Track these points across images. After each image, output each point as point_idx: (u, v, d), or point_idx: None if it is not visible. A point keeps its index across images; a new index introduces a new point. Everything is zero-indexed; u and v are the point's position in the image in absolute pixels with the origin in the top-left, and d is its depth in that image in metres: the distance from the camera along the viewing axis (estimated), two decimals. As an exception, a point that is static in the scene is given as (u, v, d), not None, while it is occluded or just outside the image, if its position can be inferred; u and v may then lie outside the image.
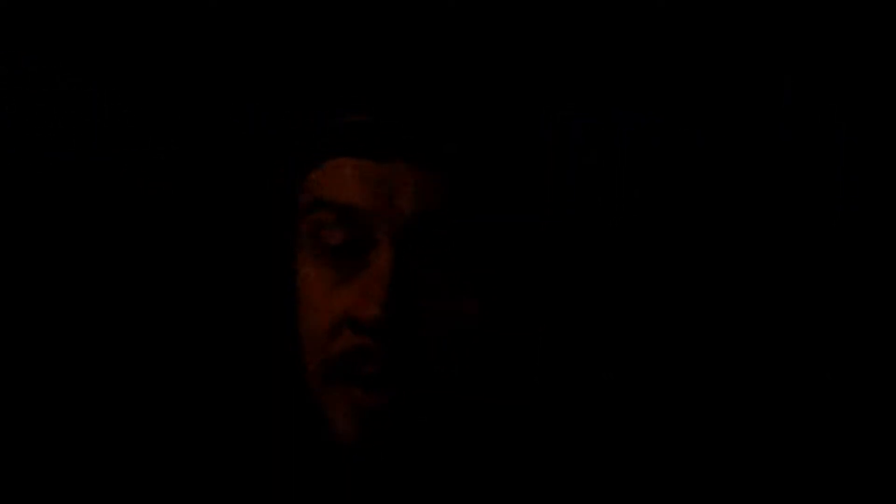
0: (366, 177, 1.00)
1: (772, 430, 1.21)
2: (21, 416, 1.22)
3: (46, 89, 1.26)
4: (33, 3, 1.27)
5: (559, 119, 1.06)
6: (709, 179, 1.24)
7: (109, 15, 1.26)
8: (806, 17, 1.27)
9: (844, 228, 1.28)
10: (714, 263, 1.23)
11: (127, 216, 1.24)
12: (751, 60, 1.27)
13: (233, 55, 1.22)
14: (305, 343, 1.03)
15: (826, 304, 1.26)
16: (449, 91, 1.01)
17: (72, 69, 1.24)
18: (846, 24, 1.27)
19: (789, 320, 1.26)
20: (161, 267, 1.24)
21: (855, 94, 1.28)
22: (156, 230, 1.23)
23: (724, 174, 1.25)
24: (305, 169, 1.04)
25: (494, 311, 1.01)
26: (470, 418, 1.04)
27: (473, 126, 1.01)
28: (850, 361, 1.25)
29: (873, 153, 1.28)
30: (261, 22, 1.20)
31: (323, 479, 1.07)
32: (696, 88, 1.25)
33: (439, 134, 0.99)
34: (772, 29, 1.27)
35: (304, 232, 1.04)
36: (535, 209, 1.04)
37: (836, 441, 1.22)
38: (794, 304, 1.26)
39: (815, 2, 1.27)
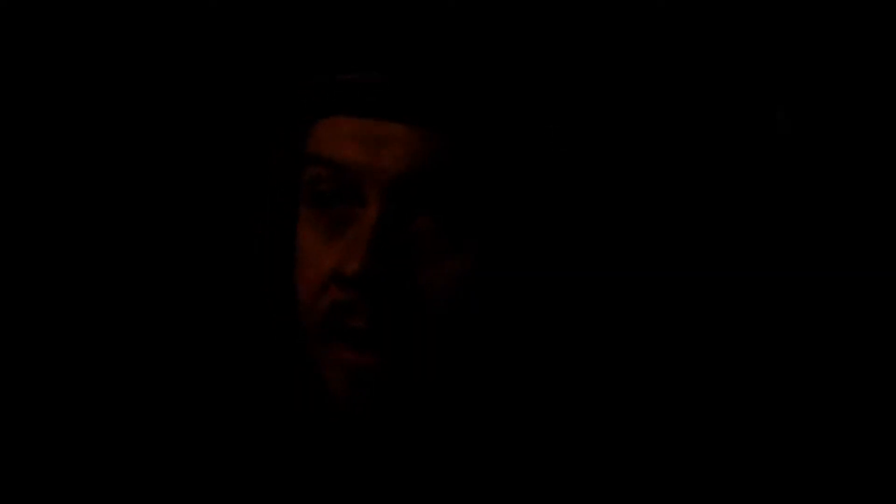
0: (359, 134, 1.01)
1: (772, 430, 1.20)
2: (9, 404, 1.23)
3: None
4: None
5: (555, 80, 1.06)
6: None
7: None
8: (804, 18, 1.28)
9: (844, 228, 1.28)
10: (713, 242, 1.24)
11: (129, 168, 1.25)
12: (750, 62, 1.28)
13: (235, 12, 1.22)
14: (300, 298, 1.04)
15: (825, 303, 1.27)
16: (444, 50, 1.01)
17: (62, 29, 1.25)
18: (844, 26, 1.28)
19: (789, 319, 1.26)
20: (163, 221, 1.24)
21: (854, 94, 1.28)
22: (159, 184, 1.24)
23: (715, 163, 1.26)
24: (307, 125, 1.05)
25: (487, 268, 1.01)
26: (463, 377, 1.04)
27: (469, 85, 1.00)
28: (850, 361, 1.25)
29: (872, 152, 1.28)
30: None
31: (319, 438, 1.07)
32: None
33: (434, 93, 1.00)
34: (771, 30, 1.28)
35: (303, 188, 1.05)
36: (530, 169, 1.04)
37: (836, 441, 1.22)
38: (793, 303, 1.26)
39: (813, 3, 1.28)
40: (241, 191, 1.19)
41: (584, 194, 1.09)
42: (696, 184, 1.24)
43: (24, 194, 1.28)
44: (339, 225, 1.02)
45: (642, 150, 1.19)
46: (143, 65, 1.26)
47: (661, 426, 1.10)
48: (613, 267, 1.15)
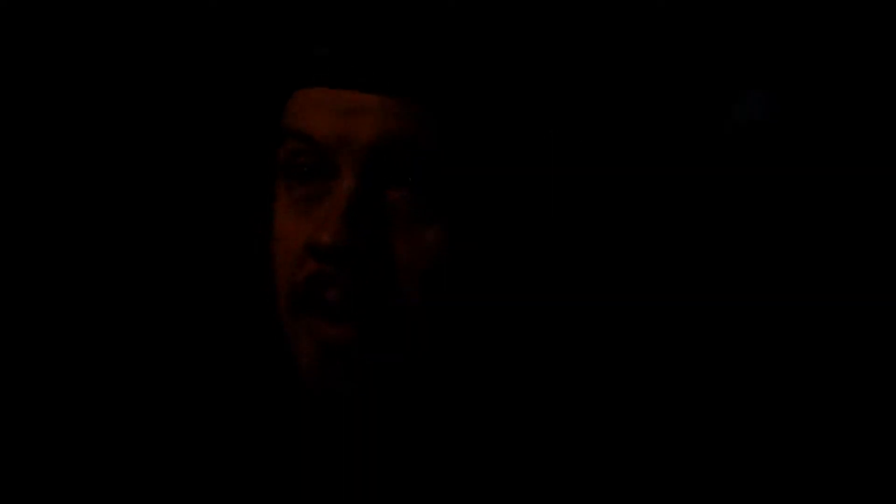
0: (331, 106, 1.00)
1: (772, 430, 1.19)
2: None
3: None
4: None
5: (531, 51, 1.06)
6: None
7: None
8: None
9: (843, 229, 1.27)
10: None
11: (110, 150, 1.25)
12: (748, 63, 1.28)
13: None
14: (276, 272, 1.04)
15: (825, 303, 1.26)
16: (415, 19, 1.00)
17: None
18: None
19: (789, 318, 1.25)
20: (140, 200, 1.24)
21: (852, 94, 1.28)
22: (135, 162, 1.24)
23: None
24: (281, 98, 1.05)
25: (462, 240, 1.00)
26: (437, 351, 1.03)
27: (441, 54, 1.00)
28: (850, 361, 1.24)
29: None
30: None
31: (290, 415, 1.06)
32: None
33: (406, 63, 0.99)
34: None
35: (280, 161, 1.04)
36: (505, 140, 1.03)
37: (836, 441, 1.21)
38: (793, 303, 1.25)
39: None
40: (219, 166, 1.19)
41: (561, 165, 1.08)
42: (672, 171, 1.24)
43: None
44: (314, 198, 1.02)
45: (622, 128, 1.18)
46: (116, 43, 1.26)
47: (642, 413, 1.09)
48: (591, 241, 1.14)
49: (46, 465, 1.19)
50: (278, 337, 1.04)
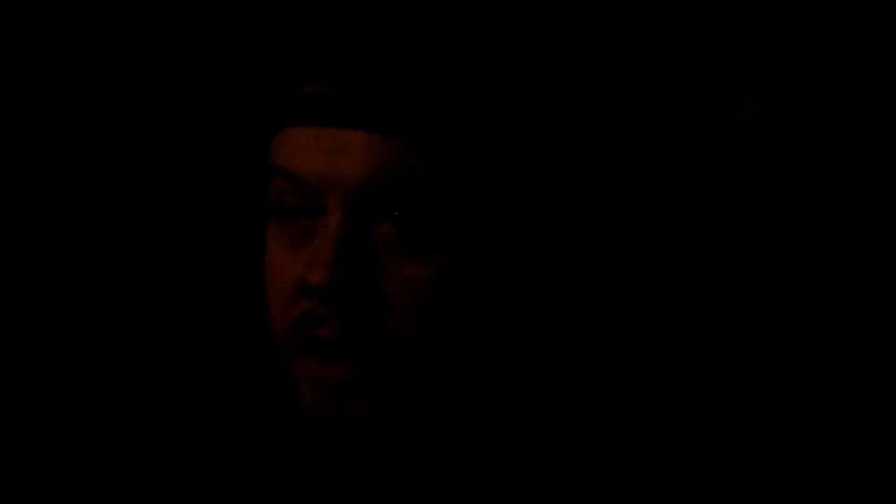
0: (316, 144, 1.00)
1: (772, 435, 1.19)
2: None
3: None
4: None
5: (516, 88, 1.06)
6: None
7: None
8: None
9: (842, 229, 1.27)
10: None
11: (98, 185, 1.25)
12: (748, 63, 1.27)
13: (196, 27, 1.23)
14: (270, 311, 1.04)
15: (825, 303, 1.25)
16: (399, 57, 1.00)
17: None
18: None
19: (788, 318, 1.25)
20: (133, 237, 1.24)
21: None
22: (128, 198, 1.24)
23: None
24: (267, 136, 1.05)
25: (452, 276, 1.01)
26: (433, 386, 1.03)
27: (425, 91, 1.00)
28: (850, 362, 1.24)
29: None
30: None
31: (290, 449, 1.07)
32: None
33: (391, 100, 0.99)
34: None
35: (270, 200, 1.04)
36: (494, 174, 1.03)
37: (836, 441, 1.21)
38: (792, 303, 1.25)
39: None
40: (210, 205, 1.20)
41: (550, 200, 1.08)
42: (672, 192, 1.24)
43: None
44: (304, 236, 1.02)
45: (612, 156, 1.18)
46: (109, 79, 1.27)
47: (635, 434, 1.09)
48: (582, 276, 1.14)
49: (37, 471, 1.19)
50: (278, 371, 1.04)
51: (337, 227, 0.99)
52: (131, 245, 1.26)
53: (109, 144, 1.26)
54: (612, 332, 1.16)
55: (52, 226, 1.27)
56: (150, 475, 1.13)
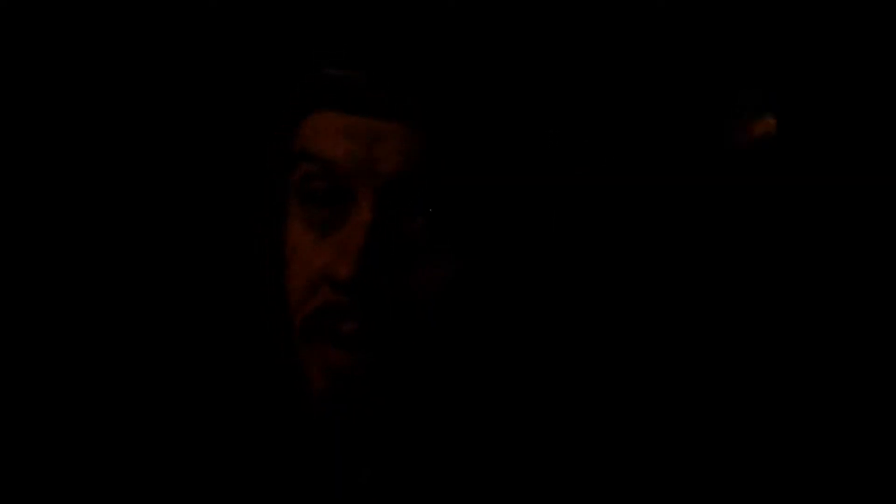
0: (350, 132, 0.98)
1: (772, 431, 1.20)
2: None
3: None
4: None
5: (550, 81, 1.05)
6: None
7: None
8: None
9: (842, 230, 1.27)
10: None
11: (118, 168, 1.23)
12: (746, 62, 1.27)
13: (226, 8, 1.21)
14: (290, 298, 1.02)
15: (825, 303, 1.26)
16: (440, 46, 0.99)
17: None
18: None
19: (788, 318, 1.25)
20: (153, 220, 1.23)
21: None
22: (148, 182, 1.22)
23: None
24: (296, 120, 1.03)
25: (479, 272, 1.00)
26: (451, 380, 1.02)
27: (464, 83, 0.99)
28: (849, 362, 1.25)
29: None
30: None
31: (302, 437, 1.06)
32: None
33: (429, 93, 0.98)
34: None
35: (294, 184, 1.02)
36: (522, 171, 1.02)
37: (836, 441, 1.22)
38: (793, 303, 1.26)
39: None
40: (231, 187, 1.18)
41: (581, 198, 1.07)
42: (688, 188, 1.23)
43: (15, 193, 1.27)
44: (330, 223, 1.00)
45: (637, 152, 1.17)
46: (129, 63, 1.24)
47: (645, 429, 1.09)
48: (606, 272, 1.13)
49: (45, 470, 1.18)
50: (291, 359, 1.03)
51: (368, 219, 0.97)
52: (142, 226, 1.24)
53: (127, 126, 1.24)
54: (628, 334, 1.16)
55: (55, 204, 1.24)
56: (157, 459, 1.12)
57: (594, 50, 1.14)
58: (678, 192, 1.23)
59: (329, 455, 1.05)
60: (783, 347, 1.24)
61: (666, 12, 1.22)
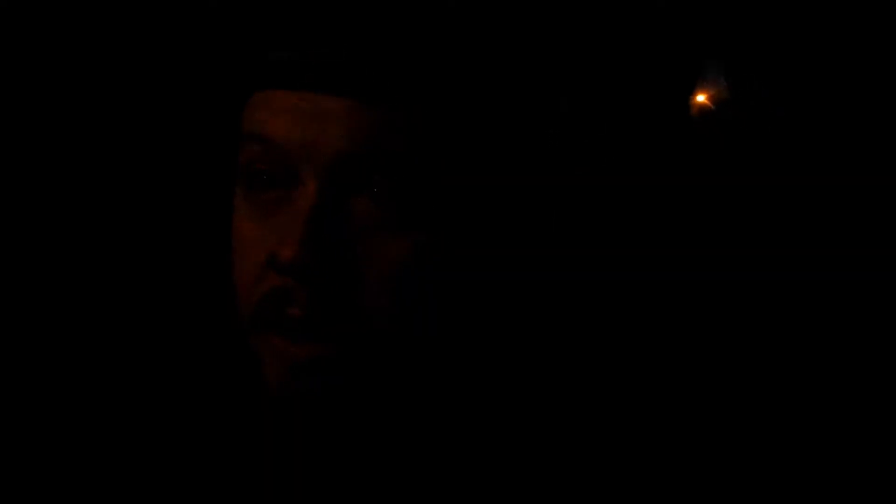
0: (292, 111, 0.94)
1: (772, 431, 1.16)
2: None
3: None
4: None
5: (502, 55, 1.01)
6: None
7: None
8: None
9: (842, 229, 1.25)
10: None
11: (62, 149, 1.21)
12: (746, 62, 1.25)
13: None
14: (239, 287, 0.98)
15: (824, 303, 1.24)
16: (384, 21, 0.94)
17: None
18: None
19: (788, 318, 1.23)
20: (97, 206, 1.20)
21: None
22: (92, 166, 1.20)
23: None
24: (240, 100, 0.99)
25: (432, 252, 0.95)
26: (407, 366, 0.98)
27: (410, 58, 0.94)
28: (849, 362, 1.22)
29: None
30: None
31: (258, 426, 1.03)
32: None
33: (374, 66, 0.93)
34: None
35: (240, 167, 0.98)
36: (474, 148, 0.98)
37: (836, 441, 1.18)
38: (791, 304, 1.23)
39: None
40: (175, 172, 1.15)
41: (533, 176, 1.03)
42: (656, 165, 1.20)
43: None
44: (274, 206, 0.96)
45: (598, 130, 1.14)
46: (74, 43, 1.22)
47: (632, 424, 1.05)
48: (562, 253, 1.10)
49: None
50: (245, 350, 0.99)
51: (312, 200, 0.94)
52: (94, 213, 1.21)
53: (70, 115, 1.21)
54: (587, 325, 1.12)
55: (22, 203, 1.22)
56: (114, 452, 1.08)
57: (551, 28, 1.11)
58: (661, 191, 1.21)
59: (290, 450, 1.02)
60: (783, 347, 1.22)
61: (665, 12, 1.20)
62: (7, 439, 1.15)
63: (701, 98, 1.24)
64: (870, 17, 1.26)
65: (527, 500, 1.01)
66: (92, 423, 1.11)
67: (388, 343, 0.96)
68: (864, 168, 1.27)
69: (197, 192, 1.06)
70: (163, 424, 1.08)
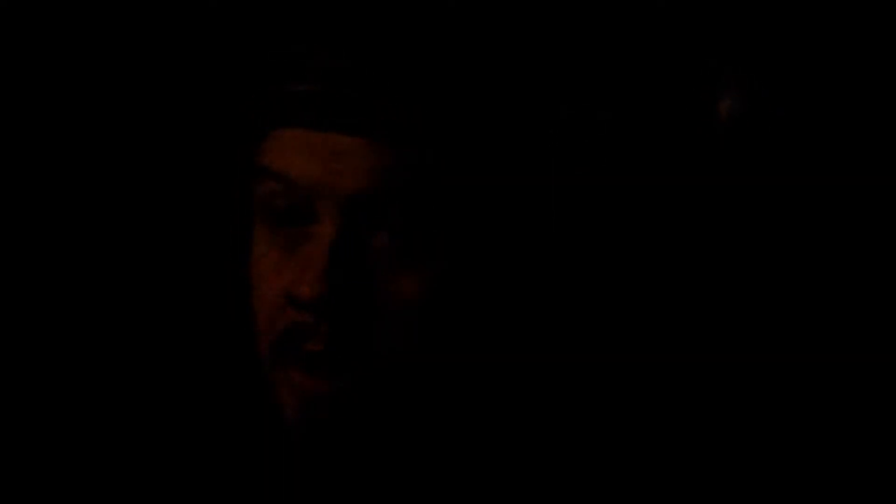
0: (311, 148, 0.96)
1: (772, 430, 1.17)
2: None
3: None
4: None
5: (517, 95, 1.02)
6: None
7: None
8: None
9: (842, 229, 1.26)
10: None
11: (78, 188, 1.21)
12: (745, 61, 1.25)
13: (188, 23, 1.19)
14: (258, 322, 1.00)
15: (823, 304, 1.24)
16: (403, 63, 0.96)
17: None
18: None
19: (787, 318, 1.24)
20: (116, 240, 1.21)
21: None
22: (110, 199, 1.21)
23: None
24: (259, 137, 1.00)
25: (449, 287, 0.97)
26: (424, 400, 0.99)
27: (427, 98, 0.96)
28: (849, 362, 1.23)
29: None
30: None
31: (275, 462, 1.04)
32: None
33: (392, 107, 0.95)
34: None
35: (257, 203, 1.00)
36: (490, 186, 0.99)
37: (836, 441, 1.19)
38: (791, 303, 1.24)
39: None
40: (193, 207, 1.15)
41: (549, 212, 1.04)
42: (665, 187, 1.21)
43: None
44: (293, 242, 0.97)
45: (608, 158, 1.15)
46: (96, 76, 1.23)
47: (630, 443, 1.06)
48: (576, 289, 1.11)
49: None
50: (262, 386, 1.00)
51: (330, 237, 0.95)
52: (113, 246, 1.22)
53: (90, 143, 1.22)
54: (608, 345, 1.13)
55: (33, 227, 1.23)
56: (128, 477, 1.09)
57: (564, 69, 1.12)
58: (664, 192, 1.21)
59: (306, 482, 1.03)
60: (782, 347, 1.23)
61: (664, 12, 1.20)
62: (34, 445, 1.17)
63: (725, 102, 1.25)
64: (870, 17, 1.27)
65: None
66: (112, 462, 1.12)
67: (402, 374, 0.97)
68: (864, 168, 1.27)
69: (213, 228, 1.07)
70: (180, 459, 1.09)
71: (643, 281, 1.20)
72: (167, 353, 1.17)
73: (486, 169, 0.99)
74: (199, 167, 1.15)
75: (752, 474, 1.13)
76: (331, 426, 0.97)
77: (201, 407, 1.11)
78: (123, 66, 1.21)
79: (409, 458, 1.02)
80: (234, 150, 1.04)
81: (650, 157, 1.21)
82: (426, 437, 1.02)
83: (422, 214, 0.95)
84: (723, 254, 1.24)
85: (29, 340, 1.23)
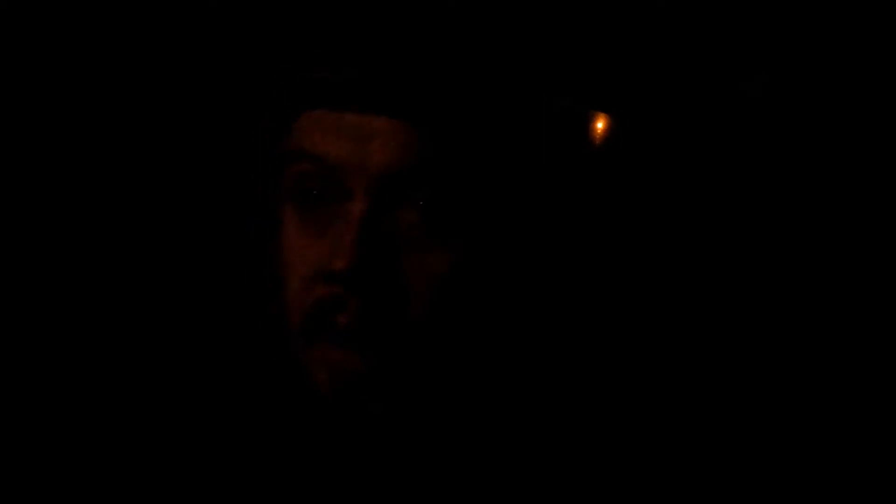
0: (342, 129, 0.99)
1: (771, 430, 1.19)
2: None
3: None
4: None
5: (542, 73, 1.05)
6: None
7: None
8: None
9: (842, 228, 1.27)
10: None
11: (107, 170, 1.23)
12: (745, 60, 1.27)
13: (217, 8, 1.21)
14: (287, 295, 1.02)
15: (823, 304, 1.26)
16: (428, 42, 0.99)
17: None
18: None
19: (788, 316, 1.25)
20: (145, 222, 1.23)
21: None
22: (140, 184, 1.23)
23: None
24: (288, 120, 1.03)
25: (477, 264, 0.99)
26: (452, 374, 1.02)
27: (453, 77, 0.99)
28: (849, 362, 1.24)
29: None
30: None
31: (306, 435, 1.06)
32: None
33: (418, 86, 0.98)
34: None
35: (287, 183, 1.03)
36: (517, 163, 1.02)
37: (835, 441, 1.21)
38: (790, 302, 1.25)
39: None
40: (224, 190, 1.18)
41: (574, 190, 1.07)
42: (686, 173, 1.23)
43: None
44: (325, 221, 1.00)
45: (632, 141, 1.17)
46: (122, 66, 1.25)
47: (647, 425, 1.08)
48: (600, 265, 1.13)
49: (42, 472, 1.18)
50: (293, 361, 1.03)
51: (362, 212, 0.98)
52: (141, 230, 1.24)
53: (118, 128, 1.24)
54: (633, 325, 1.15)
55: (58, 211, 1.25)
56: (163, 465, 1.11)
57: (587, 44, 1.14)
58: (679, 187, 1.23)
59: (337, 455, 1.05)
60: (781, 347, 1.24)
61: (663, 11, 1.22)
62: (51, 443, 1.18)
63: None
64: (870, 18, 1.28)
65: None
66: (141, 432, 1.14)
67: (431, 350, 0.99)
68: (864, 168, 1.28)
69: (244, 209, 1.09)
70: (212, 435, 1.11)
71: (664, 268, 1.21)
72: (196, 335, 1.19)
73: (513, 148, 1.02)
74: (231, 151, 1.17)
75: (752, 474, 1.14)
76: (361, 399, 1.00)
77: (230, 387, 1.12)
78: (151, 47, 1.23)
79: (436, 431, 1.04)
80: (263, 134, 1.06)
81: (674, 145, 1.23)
82: (452, 411, 1.04)
83: (450, 192, 0.98)
84: (727, 252, 1.25)
85: (60, 324, 1.24)
